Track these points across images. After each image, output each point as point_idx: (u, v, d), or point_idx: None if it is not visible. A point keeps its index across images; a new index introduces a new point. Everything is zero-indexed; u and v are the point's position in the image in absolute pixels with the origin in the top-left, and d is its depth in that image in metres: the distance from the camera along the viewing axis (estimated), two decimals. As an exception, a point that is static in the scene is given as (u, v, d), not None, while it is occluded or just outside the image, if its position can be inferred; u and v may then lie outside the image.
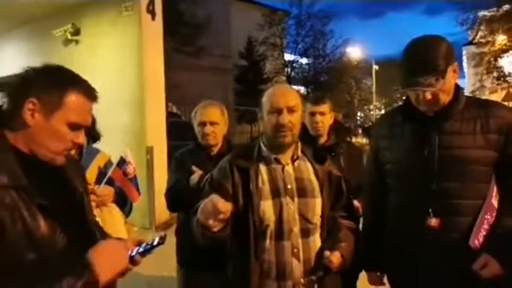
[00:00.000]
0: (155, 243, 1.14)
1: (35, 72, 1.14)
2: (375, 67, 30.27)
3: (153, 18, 5.60)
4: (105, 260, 1.03)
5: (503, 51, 14.09)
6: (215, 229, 1.40)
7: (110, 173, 1.95)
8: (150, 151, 5.45)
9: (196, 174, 2.03)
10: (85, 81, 1.16)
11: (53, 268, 1.00)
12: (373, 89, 30.02)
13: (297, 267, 1.52)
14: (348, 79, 26.39)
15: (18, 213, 1.00)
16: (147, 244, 1.14)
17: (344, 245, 1.55)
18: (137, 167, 2.23)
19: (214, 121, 2.15)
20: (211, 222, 1.37)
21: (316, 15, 22.29)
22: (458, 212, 1.53)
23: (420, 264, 1.58)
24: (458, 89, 1.60)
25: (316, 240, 1.56)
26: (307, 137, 2.62)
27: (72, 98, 1.10)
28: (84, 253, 1.03)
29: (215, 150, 2.18)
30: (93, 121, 1.75)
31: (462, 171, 1.52)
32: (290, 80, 22.61)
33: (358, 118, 32.28)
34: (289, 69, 22.77)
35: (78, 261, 1.02)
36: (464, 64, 23.66)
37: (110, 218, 1.86)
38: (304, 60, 23.73)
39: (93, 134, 2.05)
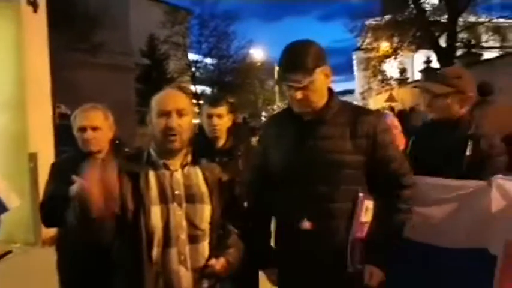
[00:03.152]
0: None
1: None
2: (277, 69, 31.46)
3: (35, 10, 5.08)
4: None
5: (386, 56, 15.71)
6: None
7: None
8: (33, 158, 4.92)
9: (78, 184, 1.87)
10: None
11: None
12: (276, 89, 31.20)
13: (185, 276, 1.49)
14: (252, 80, 27.01)
15: None
16: None
17: (231, 251, 1.56)
18: (18, 175, 1.99)
19: (95, 126, 2.00)
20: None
21: (219, 15, 22.40)
22: (330, 214, 1.62)
23: (300, 265, 1.65)
24: (331, 94, 1.70)
25: (204, 247, 1.55)
26: (204, 140, 2.60)
27: None
28: None
29: (99, 157, 2.04)
30: None
31: (333, 175, 1.61)
32: (195, 80, 22.42)
33: (263, 118, 33.31)
34: (193, 69, 22.55)
35: None
36: (355, 68, 25.85)
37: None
38: (208, 60, 23.71)
39: None
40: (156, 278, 1.47)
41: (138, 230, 1.46)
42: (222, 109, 2.50)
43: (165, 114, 1.51)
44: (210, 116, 2.47)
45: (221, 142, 2.54)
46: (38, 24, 5.21)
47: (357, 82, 27.34)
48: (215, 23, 22.49)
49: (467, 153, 1.84)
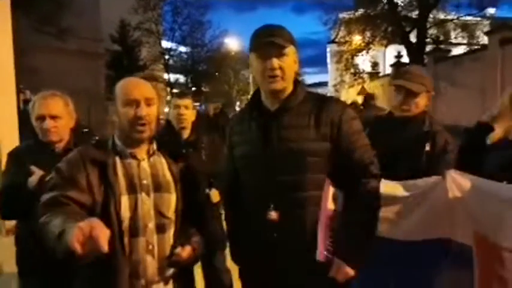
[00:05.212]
0: None
1: None
2: (251, 51, 31.37)
3: (-2, -7, 4.85)
4: None
5: (358, 50, 15.92)
6: (82, 257, 1.16)
7: None
8: (-3, 146, 4.74)
9: (36, 175, 1.81)
10: None
11: None
12: (250, 79, 31.20)
13: (151, 264, 1.49)
14: (226, 69, 26.87)
15: None
16: None
17: (196, 239, 1.57)
18: None
19: (55, 114, 1.92)
20: (79, 248, 1.13)
21: (192, 3, 22.08)
22: (296, 204, 1.62)
23: (267, 256, 1.66)
24: (297, 83, 1.71)
25: (171, 236, 1.55)
26: (170, 132, 2.63)
27: None
28: None
29: (60, 146, 1.97)
30: None
31: (299, 163, 1.61)
32: (168, 68, 22.08)
33: (237, 108, 33.26)
34: (167, 57, 22.18)
35: None
36: (328, 60, 26.06)
37: None
38: (182, 49, 23.40)
39: None
40: (124, 269, 1.45)
41: (109, 220, 1.43)
42: (188, 101, 2.61)
43: (133, 103, 1.49)
44: (177, 107, 2.57)
45: (186, 133, 2.63)
46: (2, 5, 4.97)
47: (330, 74, 27.62)
48: (189, 10, 22.20)
49: (427, 148, 1.94)
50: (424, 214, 1.82)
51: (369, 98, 6.71)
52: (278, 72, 1.60)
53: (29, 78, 6.85)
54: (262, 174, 1.65)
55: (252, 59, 1.67)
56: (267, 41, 1.59)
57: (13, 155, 1.99)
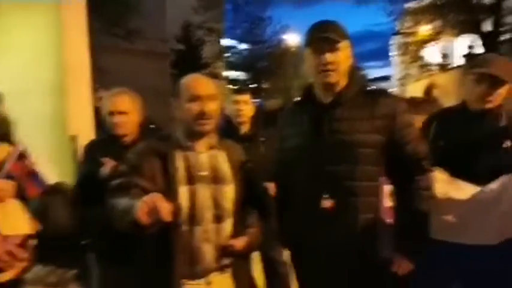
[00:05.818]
0: (25, 239, 1.17)
1: None
2: (305, 45, 30.95)
3: (75, -2, 5.25)
4: None
5: (426, 41, 15.09)
6: (147, 227, 1.34)
7: (7, 167, 1.82)
8: (74, 140, 5.15)
9: (107, 165, 1.97)
10: None
11: None
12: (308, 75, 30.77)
13: (208, 253, 1.57)
14: (286, 65, 26.81)
15: None
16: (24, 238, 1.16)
17: (252, 231, 1.62)
18: (60, 157, 2.12)
19: (123, 110, 2.09)
20: (145, 219, 1.31)
21: (252, 0, 22.24)
22: (349, 192, 1.64)
23: (318, 245, 1.68)
24: (352, 75, 1.71)
25: (227, 226, 1.62)
26: (229, 127, 2.75)
27: None
28: None
29: (128, 140, 2.13)
30: (6, 122, 1.64)
31: (350, 154, 1.63)
32: (229, 66, 22.52)
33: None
34: (227, 55, 22.62)
35: None
36: (393, 53, 25.00)
37: (9, 212, 1.73)
38: (242, 46, 23.70)
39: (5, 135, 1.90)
40: (181, 255, 1.54)
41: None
42: (247, 96, 2.74)
43: (196, 99, 1.57)
44: (236, 102, 2.69)
45: (245, 128, 2.73)
46: (77, 8, 5.37)
47: (395, 68, 26.47)
48: (249, 7, 22.39)
49: (507, 144, 1.80)
50: (502, 216, 1.71)
51: (430, 89, 6.38)
52: (331, 66, 1.64)
53: (101, 77, 7.35)
54: (315, 166, 1.68)
55: (306, 54, 1.72)
56: (320, 37, 1.63)
57: (87, 148, 2.19)
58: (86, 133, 5.55)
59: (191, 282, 1.56)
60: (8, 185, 1.76)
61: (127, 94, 2.14)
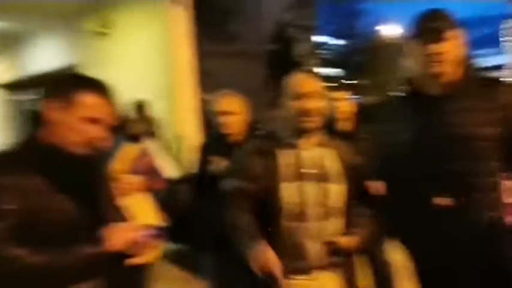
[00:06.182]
0: (160, 227, 1.31)
1: (56, 79, 1.40)
2: (411, 36, 29.00)
3: (180, 6, 5.68)
4: (111, 237, 1.25)
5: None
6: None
7: (136, 163, 2.07)
8: (180, 141, 5.58)
9: (216, 163, 2.11)
10: (96, 82, 1.33)
11: (73, 236, 1.23)
12: (409, 68, 28.90)
13: (313, 250, 1.59)
14: (383, 59, 25.58)
15: (45, 192, 1.20)
16: (155, 228, 1.35)
17: (361, 230, 1.60)
18: (168, 156, 2.35)
19: (230, 111, 2.22)
20: (259, 272, 1.50)
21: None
22: (469, 188, 1.55)
23: (438, 244, 1.60)
24: (463, 65, 1.60)
25: (335, 225, 1.62)
26: (327, 124, 2.73)
27: (85, 97, 1.27)
28: (95, 227, 1.26)
29: (235, 139, 2.25)
30: (123, 116, 1.86)
31: (465, 149, 1.53)
32: (323, 63, 22.23)
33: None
34: (321, 51, 22.37)
35: (92, 234, 1.25)
36: (506, 39, 22.21)
37: (138, 204, 1.97)
38: (337, 41, 23.23)
39: (122, 128, 2.16)
40: (284, 250, 1.58)
41: (271, 205, 1.58)
42: (344, 93, 2.76)
43: (301, 96, 1.60)
44: (333, 99, 2.68)
45: (343, 125, 2.68)
46: (184, 18, 5.80)
47: (508, 55, 23.54)
48: (345, 1, 21.84)
49: None
50: None
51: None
52: (440, 57, 1.55)
53: (204, 81, 7.83)
54: (428, 162, 1.60)
55: (413, 45, 1.63)
56: (429, 27, 1.54)
57: (200, 148, 2.38)
58: (192, 133, 5.99)
59: (296, 277, 1.60)
60: (137, 180, 2.01)
61: (234, 95, 2.28)
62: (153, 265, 1.54)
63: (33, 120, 1.31)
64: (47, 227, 1.22)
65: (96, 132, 1.30)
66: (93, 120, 1.29)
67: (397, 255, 2.75)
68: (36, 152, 1.26)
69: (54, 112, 1.26)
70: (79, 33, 6.58)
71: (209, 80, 11.04)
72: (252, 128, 2.40)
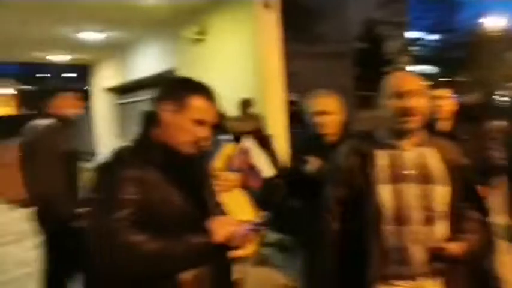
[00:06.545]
0: (258, 222, 1.42)
1: (169, 82, 1.51)
2: None
3: (270, 11, 5.79)
4: (217, 229, 1.31)
5: None
6: None
7: (234, 162, 2.16)
8: (272, 139, 5.68)
9: (312, 163, 2.11)
10: (205, 87, 1.42)
11: (183, 227, 1.31)
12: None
13: (418, 255, 1.51)
14: (484, 54, 23.41)
15: (160, 186, 1.31)
16: (254, 223, 1.39)
17: (470, 237, 1.49)
18: (259, 155, 2.41)
19: (327, 111, 2.20)
20: None
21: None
22: None
23: None
24: None
25: (439, 229, 1.52)
26: (427, 122, 2.58)
27: (195, 101, 1.37)
28: (201, 220, 1.33)
29: (330, 139, 2.23)
30: (221, 116, 1.96)
31: None
32: (415, 60, 21.04)
33: (500, 97, 28.48)
34: (413, 48, 21.19)
35: (198, 225, 1.31)
36: None
37: (236, 201, 2.06)
38: (431, 37, 21.84)
39: (221, 128, 2.27)
40: (386, 254, 1.52)
41: (369, 207, 1.54)
42: (445, 91, 2.57)
43: (402, 95, 1.54)
44: (432, 98, 2.55)
45: (443, 125, 2.52)
46: (272, 22, 5.92)
47: None
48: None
49: None
50: None
51: None
52: None
53: (291, 81, 7.91)
54: None
55: None
56: None
57: (294, 147, 2.40)
58: (281, 133, 6.08)
59: (399, 282, 1.54)
60: (236, 177, 2.10)
61: (331, 96, 2.26)
62: (250, 258, 1.61)
63: (147, 120, 1.43)
64: (161, 218, 1.32)
65: (202, 133, 1.37)
66: (201, 122, 1.36)
67: (507, 268, 2.51)
68: (151, 149, 1.35)
69: (168, 113, 1.36)
70: (177, 40, 7.06)
71: (297, 81, 11.14)
72: (346, 128, 2.36)
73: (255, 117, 3.92)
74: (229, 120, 3.15)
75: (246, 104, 4.64)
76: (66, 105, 3.02)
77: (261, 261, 3.68)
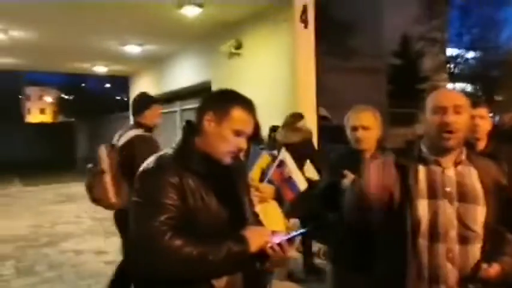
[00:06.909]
0: (296, 233, 1.42)
1: (212, 94, 1.56)
2: None
3: (306, 26, 5.85)
4: (253, 238, 1.35)
5: None
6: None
7: (270, 173, 2.18)
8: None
9: (349, 178, 2.11)
10: (246, 99, 1.47)
11: (219, 232, 1.35)
12: None
13: (451, 273, 1.48)
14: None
15: (199, 193, 1.36)
16: (290, 234, 1.42)
17: (507, 259, 1.45)
18: (295, 168, 2.42)
19: (366, 126, 2.19)
20: None
21: (485, 1, 19.64)
22: None
23: None
24: None
25: (475, 249, 1.49)
26: (467, 141, 2.52)
27: (236, 112, 1.41)
28: (238, 229, 1.37)
29: (368, 154, 2.22)
30: (258, 127, 2.00)
31: None
32: (453, 77, 20.50)
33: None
34: (451, 65, 20.65)
35: (236, 233, 1.35)
36: None
37: (269, 212, 2.08)
38: (470, 54, 21.21)
39: (257, 139, 2.31)
40: (420, 269, 1.51)
41: (405, 223, 1.53)
42: (484, 110, 2.48)
43: (441, 110, 1.52)
44: (472, 117, 2.47)
45: (482, 145, 2.46)
46: (307, 37, 5.97)
47: None
48: (481, 10, 19.88)
49: None
50: None
51: None
52: None
53: (323, 96, 7.90)
54: None
55: None
56: None
57: (330, 162, 2.40)
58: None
59: None
60: (270, 189, 2.13)
61: (370, 111, 2.25)
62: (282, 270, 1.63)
63: (189, 128, 1.49)
64: (199, 224, 1.33)
65: (240, 143, 1.42)
66: (240, 133, 1.41)
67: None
68: (192, 157, 1.40)
69: (210, 123, 1.40)
70: (213, 54, 7.23)
71: (329, 96, 11.10)
72: (380, 145, 2.35)
73: (305, 130, 3.94)
74: (278, 132, 3.15)
75: (296, 117, 4.68)
76: (155, 115, 3.15)
77: (287, 275, 3.67)
